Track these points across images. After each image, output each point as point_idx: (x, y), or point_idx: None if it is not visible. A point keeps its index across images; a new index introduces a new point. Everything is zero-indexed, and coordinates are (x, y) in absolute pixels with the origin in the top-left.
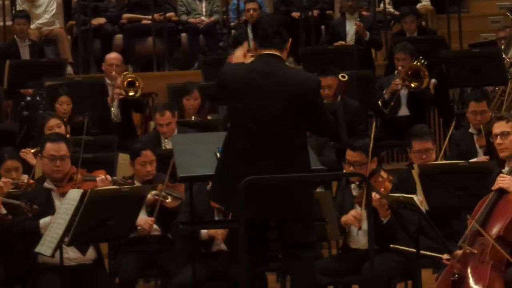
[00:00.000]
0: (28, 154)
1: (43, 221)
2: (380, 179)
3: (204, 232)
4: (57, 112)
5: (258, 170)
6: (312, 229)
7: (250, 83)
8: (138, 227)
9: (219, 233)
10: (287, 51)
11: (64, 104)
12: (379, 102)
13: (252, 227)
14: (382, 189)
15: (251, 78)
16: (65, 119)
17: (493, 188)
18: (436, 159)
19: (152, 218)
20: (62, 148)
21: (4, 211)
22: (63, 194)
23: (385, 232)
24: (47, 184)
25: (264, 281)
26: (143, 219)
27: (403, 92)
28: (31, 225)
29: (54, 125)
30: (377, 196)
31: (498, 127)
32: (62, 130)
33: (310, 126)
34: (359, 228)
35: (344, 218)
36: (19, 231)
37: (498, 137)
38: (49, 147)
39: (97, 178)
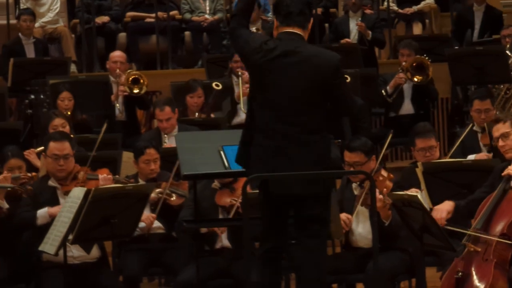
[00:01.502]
0: (31, 154)
1: (40, 211)
2: (381, 178)
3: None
4: (59, 108)
5: (278, 151)
6: (328, 208)
7: (271, 61)
8: (140, 224)
9: (221, 229)
10: (308, 31)
11: (65, 100)
12: (383, 91)
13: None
14: (384, 189)
15: (272, 57)
16: (68, 114)
17: (503, 174)
18: (441, 157)
19: (154, 215)
20: (65, 147)
21: (6, 205)
22: (67, 192)
23: (387, 234)
24: (51, 182)
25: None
26: (145, 214)
27: (407, 87)
28: (28, 216)
29: (59, 124)
30: (380, 196)
31: (497, 130)
32: (66, 129)
33: (332, 105)
34: (347, 231)
35: None
36: (17, 222)
37: (500, 139)
38: (53, 146)
39: (100, 177)
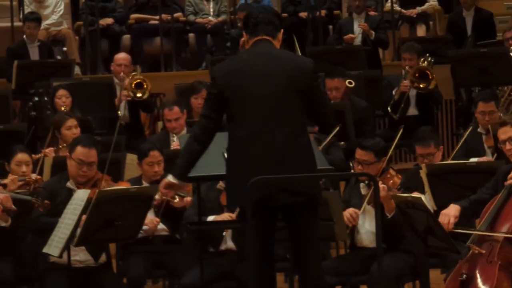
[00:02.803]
0: (51, 153)
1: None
2: (389, 175)
3: (211, 218)
4: (57, 106)
5: (263, 153)
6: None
7: (247, 68)
8: (144, 227)
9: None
10: (279, 42)
11: (62, 97)
12: (389, 108)
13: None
14: (391, 181)
15: (247, 64)
16: (64, 110)
17: (506, 183)
18: (444, 159)
19: (158, 219)
20: (92, 155)
21: (13, 207)
22: None
23: (391, 228)
24: (69, 185)
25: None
26: (149, 218)
27: (412, 92)
28: (48, 221)
29: (73, 125)
30: (384, 186)
31: (504, 133)
32: (79, 130)
33: (309, 111)
34: (352, 227)
35: None
36: (35, 226)
37: (507, 143)
38: (80, 151)
39: None
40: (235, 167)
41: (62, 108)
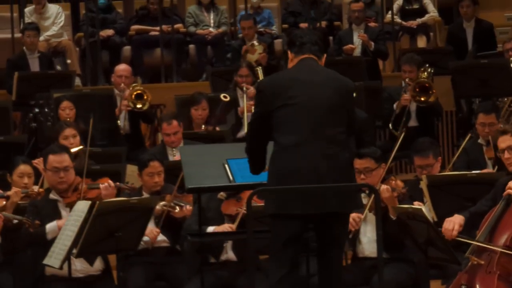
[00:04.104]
0: (41, 164)
1: (49, 226)
2: (391, 180)
3: (210, 231)
4: (60, 118)
5: (305, 164)
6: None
7: (297, 80)
8: (144, 238)
9: (227, 227)
10: (322, 64)
11: (66, 109)
12: (390, 125)
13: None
14: (394, 183)
15: (297, 76)
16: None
17: (504, 194)
18: (443, 168)
19: (158, 230)
20: (64, 159)
21: (15, 221)
22: (69, 205)
23: (394, 231)
24: (52, 196)
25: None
26: (149, 228)
27: (413, 105)
28: (38, 232)
29: (70, 134)
30: (387, 187)
31: (504, 142)
32: (77, 140)
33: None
34: (355, 231)
35: None
36: (27, 239)
37: (506, 151)
38: (52, 159)
39: (101, 185)
40: (276, 176)
41: (67, 120)
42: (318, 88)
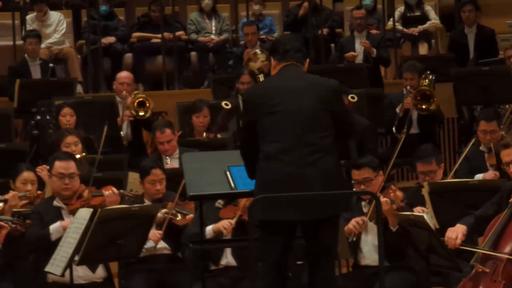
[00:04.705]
0: (43, 171)
1: (52, 227)
2: (391, 191)
3: (209, 229)
4: (61, 125)
5: (291, 170)
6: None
7: (280, 88)
8: (147, 244)
9: (225, 226)
10: (305, 69)
11: (67, 115)
12: (394, 129)
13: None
14: (393, 195)
15: (280, 84)
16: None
17: (510, 200)
18: (447, 177)
19: (161, 231)
20: (71, 166)
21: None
22: (72, 212)
23: (395, 242)
24: (56, 203)
25: None
26: (151, 232)
27: (414, 112)
28: (42, 233)
29: (72, 142)
30: (387, 200)
31: (508, 155)
32: (79, 147)
33: (337, 130)
34: (359, 234)
35: (346, 226)
36: (32, 242)
37: (510, 165)
38: (58, 165)
39: (105, 193)
40: (262, 183)
41: (67, 127)
42: (301, 95)
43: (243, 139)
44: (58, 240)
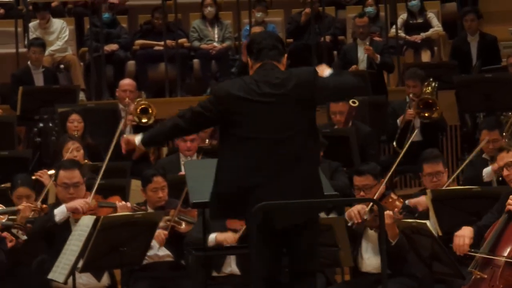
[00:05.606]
0: (44, 175)
1: (57, 209)
2: (390, 200)
3: (212, 238)
4: (69, 131)
5: (265, 179)
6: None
7: (250, 90)
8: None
9: (228, 240)
10: (283, 66)
11: (75, 121)
12: (394, 143)
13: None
14: (396, 209)
15: (250, 86)
16: (76, 135)
17: (506, 210)
18: (449, 185)
19: (166, 232)
20: (75, 176)
21: (24, 237)
22: (78, 220)
23: (394, 254)
24: None
25: None
26: (156, 232)
27: (417, 120)
28: (46, 218)
29: (74, 148)
30: (390, 213)
31: (501, 159)
32: (80, 153)
33: (333, 98)
34: (359, 223)
35: (347, 212)
36: (38, 230)
37: (504, 168)
38: (62, 175)
39: (118, 204)
40: (229, 183)
41: (75, 133)
42: (274, 96)
43: (187, 117)
44: (62, 226)
